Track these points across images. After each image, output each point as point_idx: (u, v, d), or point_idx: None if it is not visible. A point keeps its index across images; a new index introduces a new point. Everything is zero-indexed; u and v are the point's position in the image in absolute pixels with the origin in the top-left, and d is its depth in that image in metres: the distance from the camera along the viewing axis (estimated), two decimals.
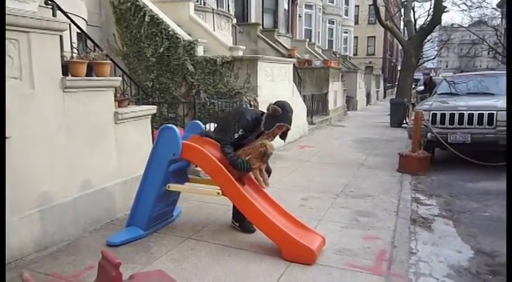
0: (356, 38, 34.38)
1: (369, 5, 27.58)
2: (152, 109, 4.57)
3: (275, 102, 3.41)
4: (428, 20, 16.19)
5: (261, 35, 13.53)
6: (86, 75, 3.63)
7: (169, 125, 3.34)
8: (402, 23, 18.73)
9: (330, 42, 26.21)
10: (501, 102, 6.26)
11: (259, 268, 2.94)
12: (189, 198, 4.71)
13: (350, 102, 17.66)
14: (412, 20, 17.51)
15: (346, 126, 12.33)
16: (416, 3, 22.42)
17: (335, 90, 13.71)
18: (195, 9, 10.18)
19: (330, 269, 2.95)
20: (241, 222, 3.59)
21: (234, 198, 3.22)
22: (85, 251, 3.23)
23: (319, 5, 22.15)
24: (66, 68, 3.48)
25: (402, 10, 18.62)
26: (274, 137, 3.47)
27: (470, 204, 4.65)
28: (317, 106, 12.18)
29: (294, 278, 2.80)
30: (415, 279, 2.86)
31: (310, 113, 11.24)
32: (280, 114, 3.31)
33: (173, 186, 3.42)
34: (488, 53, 36.08)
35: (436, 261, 3.16)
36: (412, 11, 19.27)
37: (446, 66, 58.41)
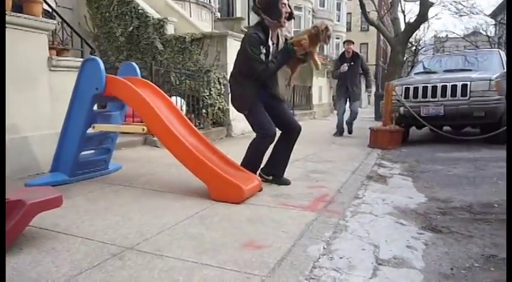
0: None
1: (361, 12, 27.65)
2: None
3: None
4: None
5: (245, 30, 13.33)
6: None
7: (92, 56, 3.08)
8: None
9: (321, 46, 26.15)
10: (476, 74, 6.03)
11: (181, 205, 2.65)
12: (135, 159, 4.43)
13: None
14: (402, 16, 17.46)
15: (330, 120, 12.06)
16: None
17: (320, 86, 13.51)
18: None
19: (258, 207, 2.65)
20: (274, 174, 3.29)
21: (160, 135, 2.94)
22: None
23: (309, 8, 22.13)
24: None
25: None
26: (286, 16, 3.04)
27: (436, 167, 4.35)
28: (300, 99, 11.95)
29: (214, 212, 2.51)
30: (350, 216, 2.56)
31: (292, 106, 11.00)
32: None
33: (98, 126, 3.15)
34: None
35: (380, 204, 2.86)
36: (400, 6, 19.27)
37: None
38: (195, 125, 6.56)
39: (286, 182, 3.31)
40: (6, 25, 3.27)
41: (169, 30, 7.59)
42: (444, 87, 5.87)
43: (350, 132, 7.55)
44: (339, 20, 29.74)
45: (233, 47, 7.22)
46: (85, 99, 3.07)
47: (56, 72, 3.78)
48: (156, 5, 9.43)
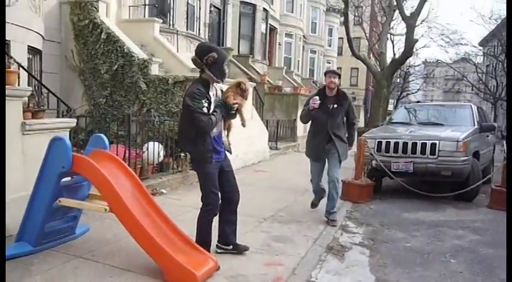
0: (339, 68, 34.88)
1: (353, 38, 28.17)
2: (71, 122, 4.44)
3: (199, 51, 3.17)
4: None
5: (234, 60, 13.61)
6: None
7: (60, 135, 3.20)
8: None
9: (312, 71, 26.58)
10: (446, 133, 6.25)
11: None
12: (105, 216, 4.51)
13: None
14: (388, 51, 17.88)
15: None
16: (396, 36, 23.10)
17: None
18: (161, 31, 10.23)
19: None
20: (232, 244, 3.50)
21: (120, 216, 3.05)
22: None
23: (299, 35, 22.55)
24: None
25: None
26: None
27: (397, 234, 4.51)
28: (284, 132, 12.14)
29: None
30: None
31: (275, 138, 11.17)
32: (218, 57, 3.12)
33: (64, 201, 3.24)
34: (472, 89, 36.95)
35: None
36: (389, 42, 19.74)
37: (431, 101, 59.46)
38: (172, 169, 6.75)
39: (245, 249, 3.54)
40: None
41: (154, 70, 7.74)
42: (414, 145, 6.08)
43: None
44: (330, 45, 30.28)
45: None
46: (52, 176, 3.18)
47: (30, 136, 3.88)
48: (144, 39, 9.65)
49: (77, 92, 8.34)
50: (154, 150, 6.16)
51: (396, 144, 6.21)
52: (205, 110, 3.10)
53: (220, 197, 3.34)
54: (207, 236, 3.33)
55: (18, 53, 6.73)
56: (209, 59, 3.09)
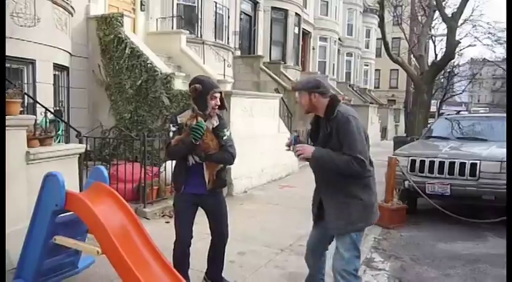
0: (378, 70, 33.79)
1: (393, 38, 27.07)
2: (80, 148, 4.33)
3: (190, 83, 3.09)
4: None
5: (263, 68, 13.34)
6: None
7: (54, 171, 3.04)
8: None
9: (348, 74, 25.79)
10: (488, 151, 5.63)
11: None
12: None
13: None
14: (430, 52, 16.94)
15: None
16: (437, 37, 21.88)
17: None
18: (188, 42, 10.19)
19: None
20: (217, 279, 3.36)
21: (112, 260, 2.83)
22: None
23: (334, 38, 21.93)
24: None
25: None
26: (215, 108, 3.08)
27: (429, 272, 4.02)
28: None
29: None
30: None
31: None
32: (202, 89, 2.97)
33: (59, 240, 3.08)
34: None
35: None
36: (430, 44, 18.69)
37: (478, 101, 56.33)
38: None
39: None
40: None
41: (177, 84, 7.63)
42: (452, 164, 5.50)
43: None
44: (367, 47, 29.31)
45: (238, 105, 7.16)
46: (46, 214, 3.03)
47: (35, 165, 3.79)
48: (171, 51, 9.62)
49: (104, 106, 8.39)
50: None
51: (431, 163, 5.65)
52: (170, 134, 3.12)
53: (210, 231, 3.27)
54: (182, 266, 3.18)
55: (43, 71, 6.84)
56: (194, 90, 2.99)
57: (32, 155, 3.73)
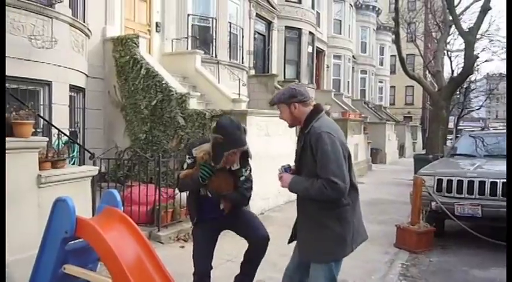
0: (393, 87, 33.46)
1: (407, 55, 26.81)
2: (93, 170, 4.19)
3: (215, 126, 2.92)
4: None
5: (278, 86, 13.23)
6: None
7: (64, 196, 2.89)
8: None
9: (362, 91, 25.56)
10: None
11: None
12: None
13: (378, 155, 16.66)
14: (446, 67, 16.64)
15: (364, 183, 11.38)
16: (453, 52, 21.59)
17: (355, 143, 12.93)
18: (203, 61, 10.17)
19: None
20: None
21: None
22: None
23: (348, 55, 21.83)
24: None
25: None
26: (232, 163, 2.91)
27: None
28: None
29: None
30: None
31: None
32: (224, 140, 2.77)
33: (69, 269, 2.90)
34: None
35: None
36: (446, 60, 18.41)
37: (496, 117, 55.18)
38: None
39: None
40: None
41: (192, 104, 7.53)
42: (482, 183, 5.19)
43: None
44: (382, 64, 29.11)
45: (253, 124, 7.00)
46: (55, 241, 2.86)
47: (46, 188, 3.66)
48: (187, 72, 9.61)
49: (120, 127, 8.34)
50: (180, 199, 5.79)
51: (460, 182, 5.35)
52: (185, 165, 3.02)
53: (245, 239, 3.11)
54: None
55: (59, 92, 6.83)
56: (215, 140, 2.82)
57: (44, 178, 3.61)
